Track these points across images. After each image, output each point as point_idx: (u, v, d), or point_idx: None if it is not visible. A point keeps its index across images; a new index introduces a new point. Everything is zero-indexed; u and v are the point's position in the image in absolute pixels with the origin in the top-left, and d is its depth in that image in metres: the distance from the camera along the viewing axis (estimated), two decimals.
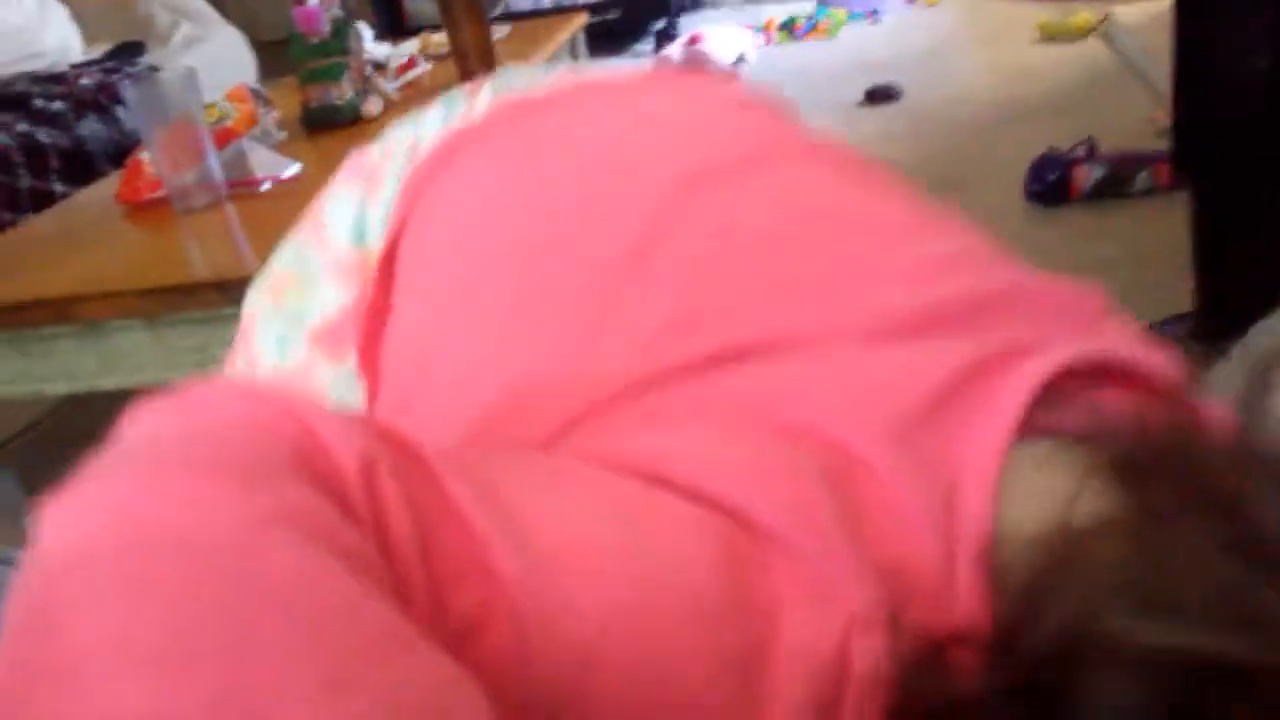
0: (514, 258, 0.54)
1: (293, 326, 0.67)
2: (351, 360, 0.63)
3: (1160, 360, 0.43)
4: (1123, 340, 0.46)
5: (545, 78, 0.70)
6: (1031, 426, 0.38)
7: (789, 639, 0.33)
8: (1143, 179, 2.16)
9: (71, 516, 0.26)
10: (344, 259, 0.66)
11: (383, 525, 0.29)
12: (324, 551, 0.26)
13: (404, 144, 0.67)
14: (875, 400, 0.39)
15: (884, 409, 0.38)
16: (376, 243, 0.64)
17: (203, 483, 0.27)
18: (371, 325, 0.63)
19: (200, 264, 1.40)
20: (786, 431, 0.38)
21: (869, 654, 0.32)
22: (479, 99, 0.68)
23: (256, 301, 0.71)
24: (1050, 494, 0.36)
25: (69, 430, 1.85)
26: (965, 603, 0.34)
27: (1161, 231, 2.00)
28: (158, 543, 0.25)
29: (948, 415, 0.38)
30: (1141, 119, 2.55)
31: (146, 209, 1.55)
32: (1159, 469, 0.35)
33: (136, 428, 0.31)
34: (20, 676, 0.24)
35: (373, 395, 0.61)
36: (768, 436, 0.38)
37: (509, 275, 0.54)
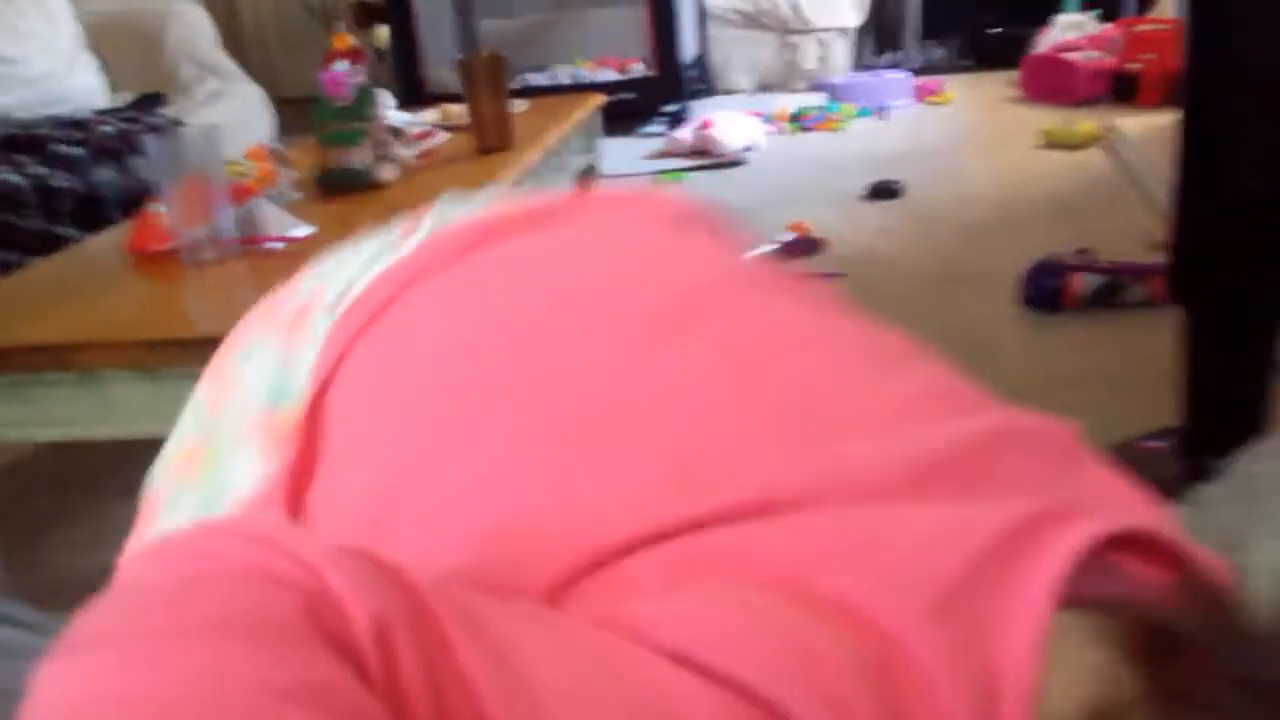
0: (484, 402, 0.50)
1: (210, 502, 0.60)
2: None
3: (1171, 524, 0.41)
4: (1124, 492, 0.45)
5: (481, 207, 0.66)
6: (1062, 595, 0.36)
7: None
8: (1138, 291, 2.19)
9: (66, 686, 0.24)
10: (264, 422, 0.59)
11: (398, 692, 0.27)
12: None
13: (334, 289, 0.61)
14: (913, 574, 0.36)
15: (922, 583, 0.35)
16: (301, 400, 0.58)
17: (208, 649, 0.25)
18: (294, 487, 0.56)
19: (203, 318, 1.40)
20: (820, 604, 0.35)
21: None
22: (415, 236, 0.64)
23: (161, 481, 0.64)
24: (1081, 675, 0.34)
25: (50, 474, 1.85)
26: None
27: (1154, 344, 2.02)
28: None
29: (985, 591, 0.36)
30: (1138, 230, 2.59)
31: (154, 260, 1.57)
32: (1189, 651, 0.34)
33: (134, 576, 0.29)
34: None
35: None
36: (803, 612, 0.35)
37: (475, 421, 0.49)
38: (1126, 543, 0.39)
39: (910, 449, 0.42)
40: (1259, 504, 0.68)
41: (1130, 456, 1.59)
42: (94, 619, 0.26)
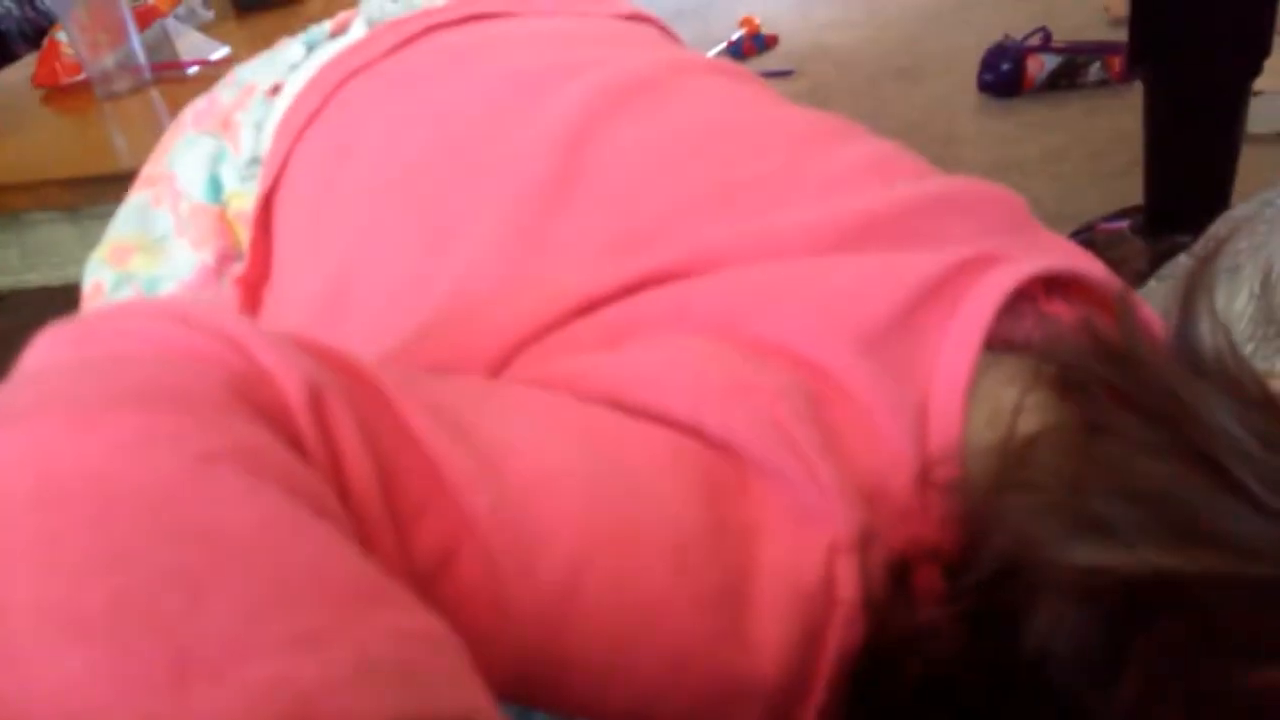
0: (426, 186, 0.51)
1: (149, 289, 0.64)
2: None
3: (1103, 270, 0.43)
4: (1067, 249, 0.46)
5: (417, 3, 0.66)
6: (992, 337, 0.37)
7: (772, 566, 0.31)
8: (1095, 70, 2.14)
9: None
10: (199, 217, 0.63)
11: (337, 460, 0.27)
12: (278, 492, 0.24)
13: (261, 88, 0.63)
14: (843, 313, 0.37)
15: (852, 322, 0.37)
16: (239, 197, 0.61)
17: (131, 420, 0.23)
18: (250, 293, 0.59)
19: (125, 153, 1.33)
20: (755, 348, 0.36)
21: (853, 577, 0.31)
22: (352, 31, 0.64)
23: (98, 271, 0.66)
24: (1002, 409, 0.35)
25: None
26: (935, 520, 0.33)
27: (1113, 123, 1.99)
28: (85, 494, 0.22)
29: (916, 326, 0.37)
30: (1095, 8, 2.52)
31: (65, 93, 1.47)
32: (1101, 380, 0.35)
33: (44, 359, 0.27)
34: None
35: None
36: (738, 354, 0.36)
37: (423, 205, 0.50)
38: (1055, 286, 0.41)
39: (844, 210, 0.43)
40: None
41: (1091, 238, 1.59)
42: (4, 398, 0.25)
